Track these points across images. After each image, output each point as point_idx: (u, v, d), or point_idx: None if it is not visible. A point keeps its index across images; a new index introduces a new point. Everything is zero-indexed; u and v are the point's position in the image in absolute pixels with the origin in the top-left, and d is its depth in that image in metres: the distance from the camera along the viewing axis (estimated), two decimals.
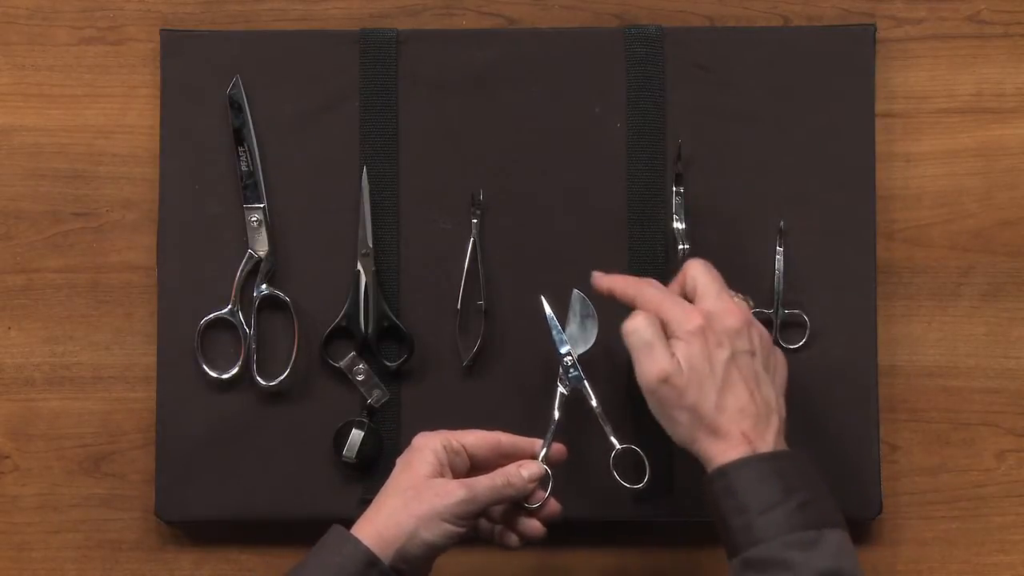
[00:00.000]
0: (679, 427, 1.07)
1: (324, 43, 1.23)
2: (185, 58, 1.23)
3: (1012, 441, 1.24)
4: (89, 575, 1.23)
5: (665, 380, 1.06)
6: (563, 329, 1.15)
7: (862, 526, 1.23)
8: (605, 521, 1.21)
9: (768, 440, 1.06)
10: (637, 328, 1.08)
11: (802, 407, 1.20)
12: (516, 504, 1.12)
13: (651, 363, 1.07)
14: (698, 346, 1.07)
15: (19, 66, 1.25)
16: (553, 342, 1.15)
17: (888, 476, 1.22)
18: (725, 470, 1.04)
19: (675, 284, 1.12)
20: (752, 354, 1.08)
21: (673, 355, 1.07)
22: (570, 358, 1.15)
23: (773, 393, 1.09)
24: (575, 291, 1.16)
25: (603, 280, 1.13)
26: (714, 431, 1.06)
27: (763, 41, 1.23)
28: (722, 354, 1.07)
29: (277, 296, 1.21)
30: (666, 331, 1.08)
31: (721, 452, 1.05)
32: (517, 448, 1.13)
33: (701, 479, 1.06)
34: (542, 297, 1.15)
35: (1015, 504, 1.24)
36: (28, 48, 1.25)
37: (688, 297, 1.10)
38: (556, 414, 1.14)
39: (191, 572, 1.23)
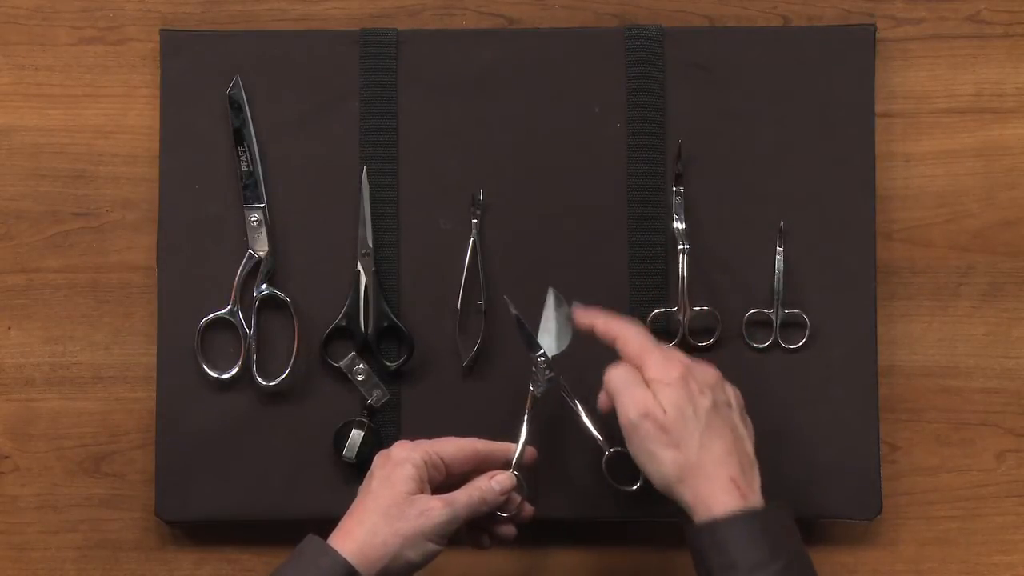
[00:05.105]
0: (662, 466, 1.06)
1: (324, 43, 1.23)
2: (185, 58, 1.23)
3: (1012, 441, 1.24)
4: (89, 575, 1.23)
5: (646, 414, 1.06)
6: (540, 327, 1.15)
7: (862, 526, 1.23)
8: (594, 521, 1.21)
9: (757, 492, 1.06)
10: (618, 373, 1.09)
11: (802, 407, 1.21)
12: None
13: (631, 399, 1.07)
14: (681, 390, 1.07)
15: (19, 66, 1.25)
16: (524, 342, 1.14)
17: (888, 476, 1.22)
18: (716, 526, 1.04)
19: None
20: (729, 406, 1.09)
21: (655, 396, 1.07)
22: (544, 358, 1.14)
23: (751, 449, 1.09)
24: (551, 289, 1.16)
25: (584, 316, 1.13)
26: (700, 472, 1.05)
27: (763, 41, 1.23)
28: (704, 401, 1.07)
29: (277, 296, 1.21)
30: (645, 375, 1.08)
31: (710, 496, 1.04)
32: (493, 455, 1.13)
33: (684, 526, 1.06)
34: (506, 297, 1.14)
35: (1015, 504, 1.24)
36: (28, 48, 1.25)
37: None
38: (527, 417, 1.14)
39: (191, 572, 1.23)
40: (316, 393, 1.21)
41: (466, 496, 1.10)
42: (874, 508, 1.21)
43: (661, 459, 1.06)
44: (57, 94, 1.25)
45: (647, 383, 1.07)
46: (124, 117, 1.25)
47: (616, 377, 1.09)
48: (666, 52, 1.23)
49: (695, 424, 1.06)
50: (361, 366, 1.20)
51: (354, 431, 1.19)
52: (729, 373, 1.20)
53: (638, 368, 1.08)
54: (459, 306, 1.21)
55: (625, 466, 1.13)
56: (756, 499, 1.05)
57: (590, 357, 1.12)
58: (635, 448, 1.07)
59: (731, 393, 1.10)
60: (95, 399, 1.24)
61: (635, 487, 1.13)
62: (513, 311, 1.14)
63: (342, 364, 1.20)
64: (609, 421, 1.14)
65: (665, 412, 1.06)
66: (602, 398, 1.11)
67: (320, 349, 1.21)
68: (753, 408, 1.19)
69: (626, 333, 1.10)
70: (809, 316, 1.21)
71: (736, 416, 1.09)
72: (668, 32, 1.23)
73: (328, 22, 1.25)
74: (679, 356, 1.09)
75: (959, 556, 1.24)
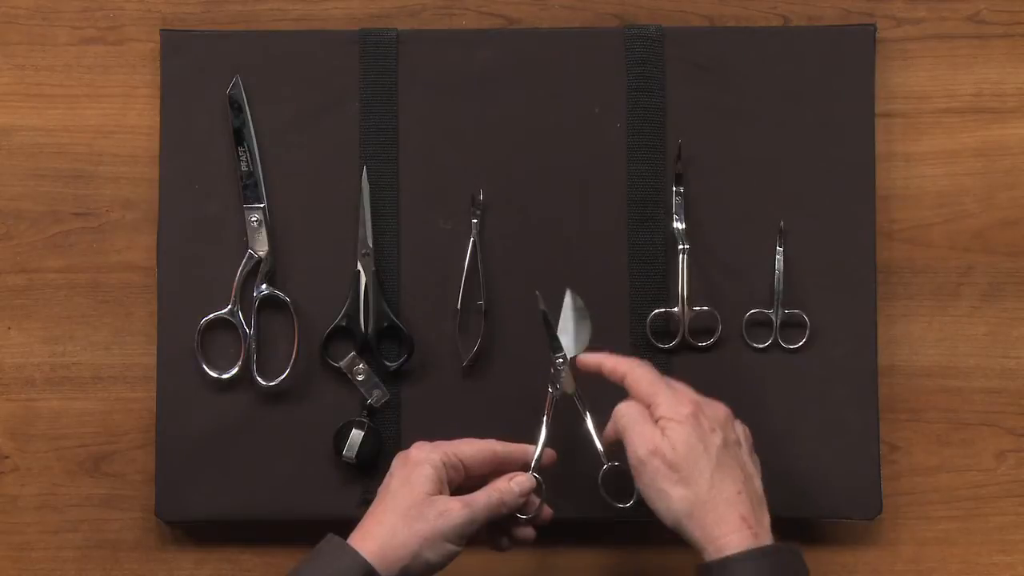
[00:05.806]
0: (672, 503, 1.05)
1: (324, 43, 1.23)
2: (185, 58, 1.23)
3: (1012, 441, 1.24)
4: (89, 575, 1.23)
5: (654, 452, 1.05)
6: (559, 328, 1.15)
7: (862, 526, 1.23)
8: (602, 521, 1.21)
9: (767, 531, 1.05)
10: (626, 410, 1.08)
11: (802, 407, 1.20)
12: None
13: (640, 437, 1.06)
14: (691, 428, 1.06)
15: (19, 66, 1.25)
16: (547, 342, 1.14)
17: (888, 476, 1.22)
18: (727, 563, 1.03)
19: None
20: (739, 445, 1.08)
21: (663, 433, 1.06)
22: (562, 360, 1.14)
23: (760, 486, 1.08)
24: (568, 291, 1.16)
25: (590, 358, 1.13)
26: (710, 510, 1.04)
27: (763, 41, 1.23)
28: (715, 439, 1.06)
29: (277, 296, 1.21)
30: (655, 413, 1.08)
31: (722, 535, 1.04)
32: (511, 457, 1.13)
33: (697, 565, 1.05)
34: (538, 292, 1.14)
35: (1015, 504, 1.24)
36: (28, 48, 1.25)
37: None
38: (547, 417, 1.14)
39: (191, 572, 1.23)
40: (316, 393, 1.21)
41: (485, 497, 1.10)
42: (874, 508, 1.21)
43: (670, 496, 1.05)
44: (57, 94, 1.25)
45: (658, 420, 1.07)
46: (124, 117, 1.25)
47: (625, 414, 1.08)
48: (666, 52, 1.23)
49: (706, 462, 1.05)
50: (361, 366, 1.20)
51: (354, 431, 1.19)
52: (729, 373, 1.21)
53: (648, 405, 1.08)
54: (459, 306, 1.21)
55: (621, 481, 1.12)
56: (767, 537, 1.05)
57: None
58: (644, 485, 1.07)
59: (740, 431, 1.09)
60: (95, 399, 1.24)
61: (629, 503, 1.12)
62: (542, 307, 1.13)
63: (342, 364, 1.20)
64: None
65: (674, 449, 1.05)
66: (609, 428, 1.11)
67: (320, 349, 1.21)
68: (753, 408, 1.19)
69: (635, 370, 1.10)
70: (809, 316, 1.21)
71: (745, 454, 1.08)
72: (668, 32, 1.23)
73: (328, 22, 1.25)
74: (689, 393, 1.09)
75: (959, 556, 1.24)
